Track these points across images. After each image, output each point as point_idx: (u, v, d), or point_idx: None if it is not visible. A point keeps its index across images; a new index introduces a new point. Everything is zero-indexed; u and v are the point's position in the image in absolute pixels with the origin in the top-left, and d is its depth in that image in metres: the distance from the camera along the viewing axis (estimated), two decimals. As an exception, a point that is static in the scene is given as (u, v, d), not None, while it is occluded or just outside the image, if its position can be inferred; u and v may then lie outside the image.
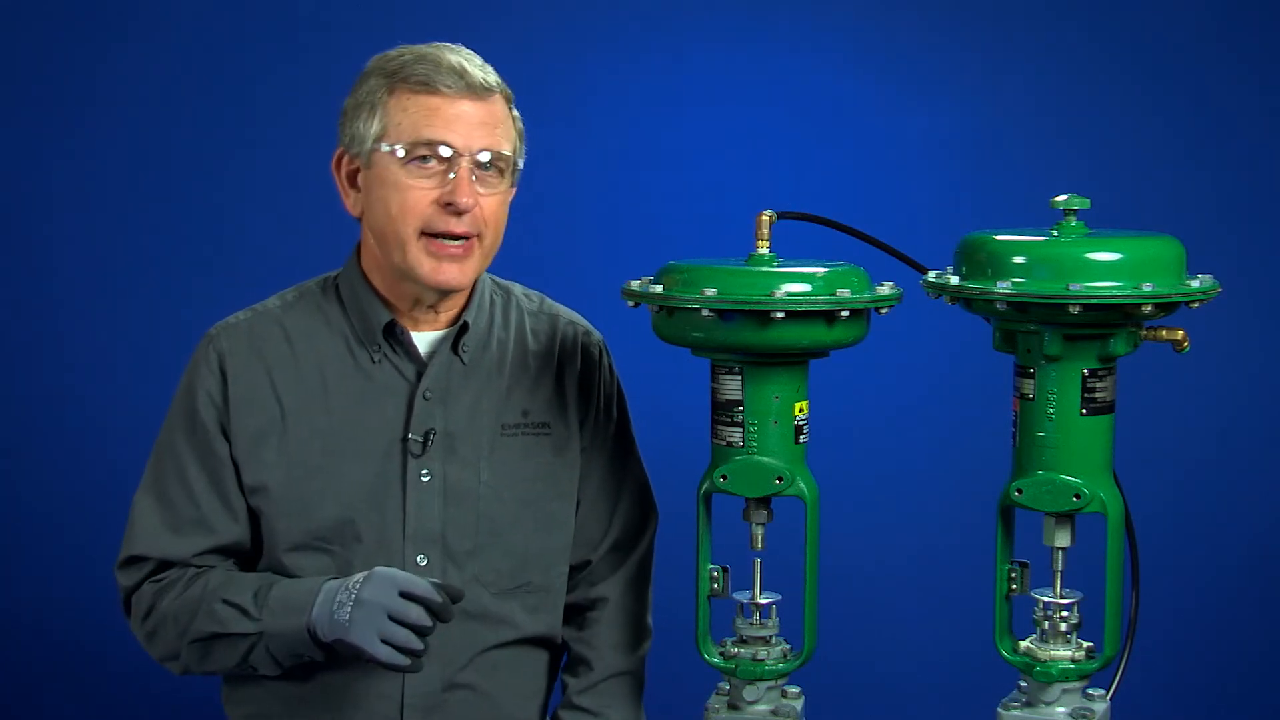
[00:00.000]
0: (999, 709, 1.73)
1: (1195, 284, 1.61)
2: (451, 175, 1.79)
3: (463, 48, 1.86)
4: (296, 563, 1.86)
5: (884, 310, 1.77)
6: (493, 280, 2.02)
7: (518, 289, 2.05)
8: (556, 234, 3.19)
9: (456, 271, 1.83)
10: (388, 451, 1.88)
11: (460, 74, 1.80)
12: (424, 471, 1.88)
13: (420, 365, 1.90)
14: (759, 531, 1.82)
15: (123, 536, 1.92)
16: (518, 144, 1.90)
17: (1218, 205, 3.17)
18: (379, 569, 1.76)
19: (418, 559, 1.87)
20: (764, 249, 1.77)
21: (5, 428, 3.22)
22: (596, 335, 2.05)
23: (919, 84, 3.22)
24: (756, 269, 1.72)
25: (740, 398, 1.77)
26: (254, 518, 1.90)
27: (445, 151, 1.79)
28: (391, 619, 1.71)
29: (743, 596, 1.84)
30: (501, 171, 1.85)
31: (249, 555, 1.92)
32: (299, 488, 1.86)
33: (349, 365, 1.90)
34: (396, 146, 1.80)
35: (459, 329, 1.92)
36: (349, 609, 1.73)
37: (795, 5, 3.23)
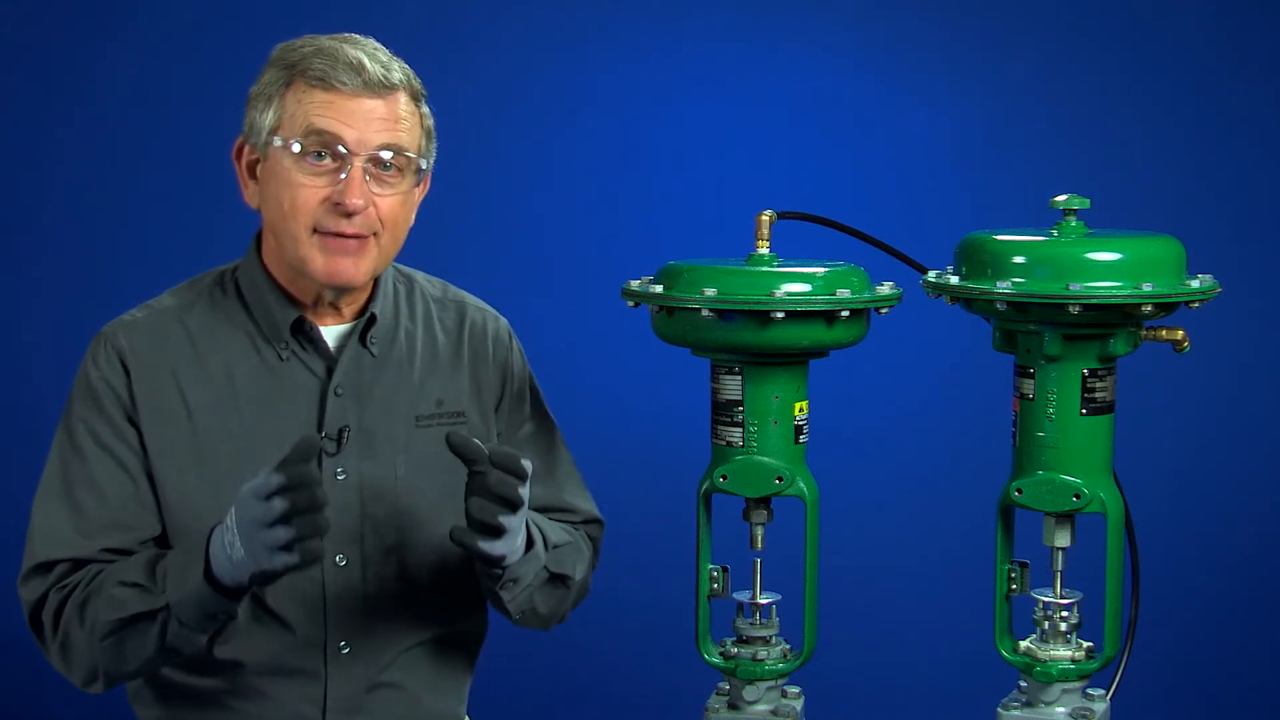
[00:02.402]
0: (999, 709, 1.73)
1: (1195, 284, 1.61)
2: (344, 175, 1.75)
3: (369, 40, 1.80)
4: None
5: (884, 310, 1.77)
6: (395, 268, 1.96)
7: (420, 276, 2.00)
8: (556, 234, 3.19)
9: (350, 266, 1.77)
10: None
11: (358, 70, 1.74)
12: (339, 470, 1.83)
13: (330, 361, 1.85)
14: (759, 531, 1.82)
15: (24, 552, 1.78)
16: (424, 143, 1.83)
17: (1218, 205, 3.17)
18: (241, 490, 1.60)
19: (336, 559, 1.82)
20: (764, 249, 1.77)
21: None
22: (504, 321, 2.02)
23: (919, 84, 3.22)
24: (756, 269, 1.72)
25: (740, 398, 1.77)
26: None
27: (339, 148, 1.74)
28: (266, 526, 1.57)
29: (743, 596, 1.84)
30: (401, 170, 1.79)
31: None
32: (211, 491, 1.78)
33: (256, 364, 1.84)
34: (291, 141, 1.75)
35: (366, 321, 1.87)
36: (237, 543, 1.61)
37: (795, 5, 3.23)
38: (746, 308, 1.68)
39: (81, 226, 3.18)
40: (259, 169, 1.81)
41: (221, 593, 1.66)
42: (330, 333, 1.86)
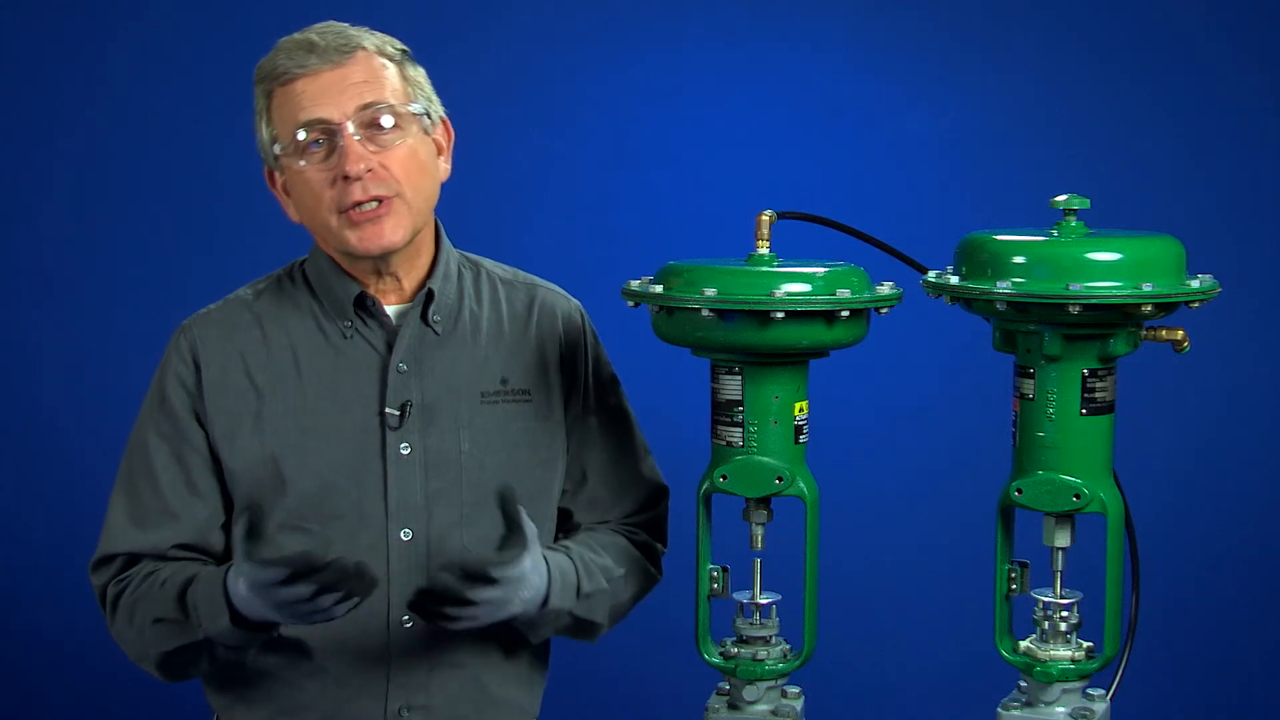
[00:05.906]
0: (999, 709, 1.73)
1: (1195, 284, 1.61)
2: (338, 148, 1.79)
3: (327, 23, 1.84)
4: (278, 542, 1.83)
5: (884, 310, 1.77)
6: (461, 254, 2.00)
7: (488, 262, 2.03)
8: (556, 234, 3.19)
9: (385, 231, 1.81)
10: (365, 426, 1.87)
11: (310, 49, 1.79)
12: (403, 444, 1.87)
13: (392, 336, 1.89)
14: (759, 531, 1.82)
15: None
16: (411, 91, 1.85)
17: (1218, 205, 3.17)
18: (241, 585, 1.69)
19: (401, 534, 1.86)
20: (764, 249, 1.77)
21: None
22: (576, 302, 2.04)
23: (919, 83, 3.22)
24: (756, 269, 1.72)
25: (740, 398, 1.77)
26: (229, 506, 1.89)
27: (328, 128, 1.78)
28: (298, 603, 1.66)
29: (743, 596, 1.84)
30: (398, 124, 1.82)
31: (218, 548, 1.90)
32: (273, 462, 1.85)
33: (320, 342, 1.89)
34: (289, 144, 1.81)
35: (425, 297, 1.90)
36: (256, 608, 1.69)
37: (795, 4, 3.23)
38: (746, 308, 1.67)
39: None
40: (286, 184, 1.87)
41: (254, 629, 1.75)
42: (393, 311, 1.91)
